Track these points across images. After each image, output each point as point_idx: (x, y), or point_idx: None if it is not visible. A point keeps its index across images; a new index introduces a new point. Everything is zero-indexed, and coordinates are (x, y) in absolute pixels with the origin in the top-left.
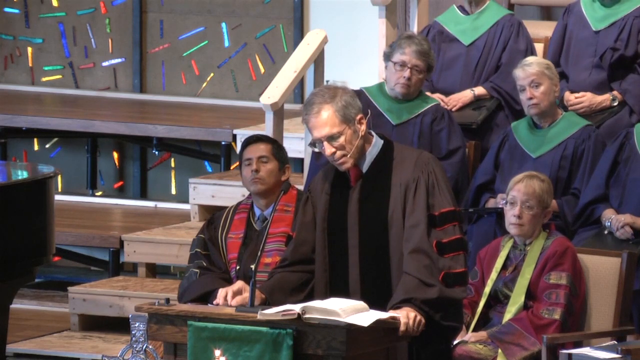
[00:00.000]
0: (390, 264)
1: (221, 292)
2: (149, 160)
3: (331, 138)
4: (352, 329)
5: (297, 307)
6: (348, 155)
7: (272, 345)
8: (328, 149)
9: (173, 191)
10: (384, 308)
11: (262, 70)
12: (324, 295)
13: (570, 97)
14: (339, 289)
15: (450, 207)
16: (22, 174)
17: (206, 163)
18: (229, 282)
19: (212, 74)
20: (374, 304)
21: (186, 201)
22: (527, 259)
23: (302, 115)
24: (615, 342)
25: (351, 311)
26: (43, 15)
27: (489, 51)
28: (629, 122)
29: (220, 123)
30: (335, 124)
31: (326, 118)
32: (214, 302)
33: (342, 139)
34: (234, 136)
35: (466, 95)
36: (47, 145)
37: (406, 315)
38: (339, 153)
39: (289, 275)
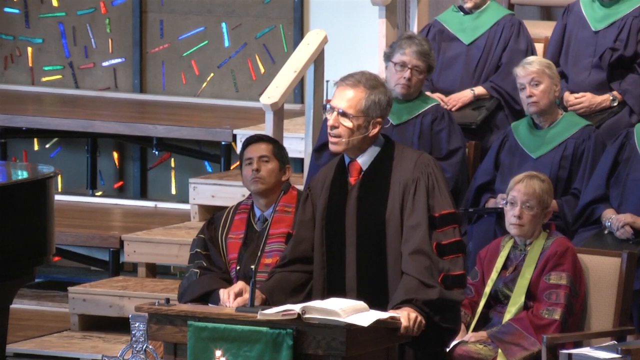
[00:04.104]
0: (387, 262)
1: (223, 293)
2: (149, 160)
3: (343, 115)
4: (352, 329)
5: (297, 307)
6: (341, 139)
7: (272, 345)
8: (332, 120)
9: (173, 191)
10: (380, 306)
11: (262, 70)
12: (322, 292)
13: (569, 98)
14: (336, 286)
15: (450, 209)
16: (22, 174)
17: (206, 163)
18: (229, 282)
19: (212, 74)
20: (370, 302)
21: (186, 201)
22: (527, 259)
23: (339, 80)
24: (615, 342)
25: (351, 311)
26: (43, 15)
27: (489, 51)
28: (629, 122)
29: (220, 123)
30: (353, 106)
31: (352, 96)
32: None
33: (349, 123)
34: (234, 136)
35: (466, 95)
36: (47, 145)
37: (407, 316)
38: (335, 131)
39: (288, 275)
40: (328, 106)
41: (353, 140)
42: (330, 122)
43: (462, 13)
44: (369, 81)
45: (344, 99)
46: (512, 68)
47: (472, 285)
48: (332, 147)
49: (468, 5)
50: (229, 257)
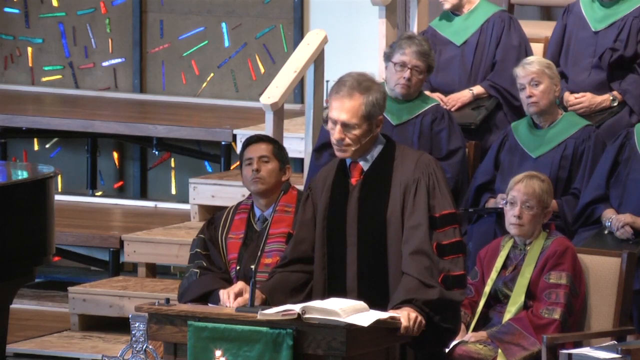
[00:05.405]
0: (388, 263)
1: (223, 294)
2: (149, 160)
3: (346, 126)
4: (352, 329)
5: (297, 307)
6: (351, 147)
7: (272, 345)
8: (338, 134)
9: (173, 191)
10: (380, 306)
11: (262, 70)
12: (322, 293)
13: (569, 98)
14: (337, 287)
15: (450, 210)
16: (22, 174)
17: (206, 163)
18: (229, 282)
19: (212, 74)
20: (370, 303)
21: (186, 201)
22: (527, 258)
23: (331, 91)
24: (615, 342)
25: (351, 311)
26: (43, 15)
27: (483, 49)
28: (629, 122)
29: (220, 123)
30: (356, 116)
31: (351, 106)
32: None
33: (355, 132)
34: (234, 136)
35: (465, 95)
36: (47, 145)
37: (407, 316)
38: (345, 141)
39: (289, 275)
40: (329, 120)
41: (361, 146)
42: (336, 136)
43: (453, 15)
44: (361, 84)
45: (344, 110)
46: (507, 64)
47: (472, 285)
48: (341, 155)
49: (446, 7)
50: (229, 257)
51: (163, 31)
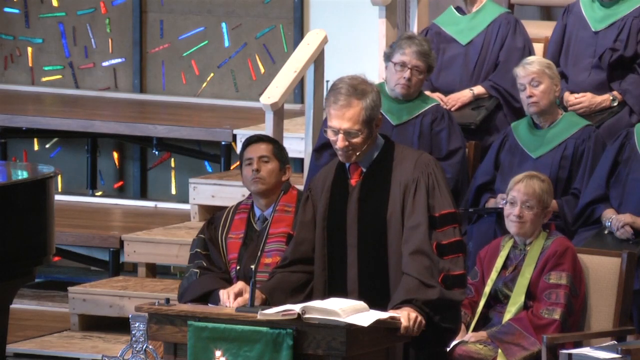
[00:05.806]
0: (389, 263)
1: (223, 294)
2: (149, 160)
3: (349, 134)
4: (352, 329)
5: (297, 307)
6: (355, 152)
7: (272, 345)
8: (341, 142)
9: (173, 191)
10: (381, 307)
11: (262, 70)
12: (323, 294)
13: (569, 98)
14: (337, 288)
15: (450, 209)
16: (22, 174)
17: (206, 163)
18: (229, 282)
19: (212, 74)
20: (371, 304)
21: (186, 201)
22: (527, 258)
23: (327, 99)
24: (615, 342)
25: (351, 311)
26: (43, 15)
27: (487, 50)
28: (629, 122)
29: (220, 123)
30: (357, 122)
31: (351, 114)
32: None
33: (358, 138)
34: (234, 136)
35: (465, 94)
36: (47, 145)
37: (407, 316)
38: (349, 148)
39: (289, 275)
40: (329, 129)
41: (365, 149)
42: (339, 145)
43: (458, 14)
44: (356, 90)
45: (345, 119)
46: (510, 66)
47: (472, 285)
48: (345, 160)
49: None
50: (229, 257)
51: (163, 31)
